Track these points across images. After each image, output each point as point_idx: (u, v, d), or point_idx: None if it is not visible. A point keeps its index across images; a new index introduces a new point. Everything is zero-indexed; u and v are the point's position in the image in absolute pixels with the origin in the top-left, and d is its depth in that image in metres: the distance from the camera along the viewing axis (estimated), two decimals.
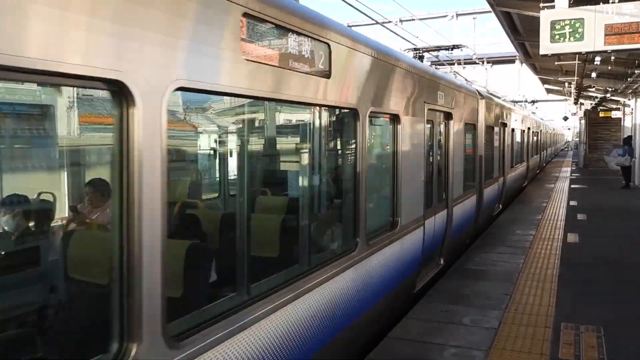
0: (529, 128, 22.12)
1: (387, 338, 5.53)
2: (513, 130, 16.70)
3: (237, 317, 3.05)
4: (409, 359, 5.07)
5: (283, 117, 6.23)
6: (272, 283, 3.71)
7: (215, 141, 6.03)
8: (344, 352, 4.84)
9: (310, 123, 4.73)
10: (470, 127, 10.29)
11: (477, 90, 11.27)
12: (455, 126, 8.73)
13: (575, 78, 19.39)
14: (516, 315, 6.15)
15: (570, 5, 8.67)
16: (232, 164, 5.36)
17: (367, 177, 5.03)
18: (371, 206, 5.37)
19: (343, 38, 4.58)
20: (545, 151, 35.72)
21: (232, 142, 5.35)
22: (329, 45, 4.32)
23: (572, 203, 15.78)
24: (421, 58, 12.05)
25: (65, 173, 4.31)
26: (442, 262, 8.28)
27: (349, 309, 4.75)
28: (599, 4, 8.39)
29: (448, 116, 8.42)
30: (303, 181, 4.97)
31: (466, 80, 16.39)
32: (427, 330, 5.72)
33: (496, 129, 13.16)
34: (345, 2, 7.77)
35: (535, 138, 26.33)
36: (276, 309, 3.49)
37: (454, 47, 13.61)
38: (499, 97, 17.18)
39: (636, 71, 16.37)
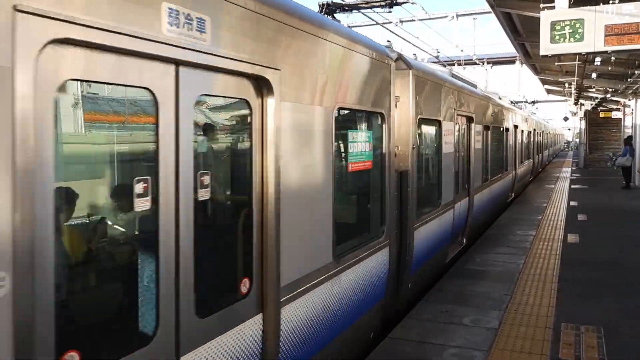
0: (516, 126, 17.41)
1: (387, 338, 5.53)
2: (487, 128, 11.85)
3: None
4: (409, 359, 5.08)
5: None
6: None
7: None
8: None
9: None
10: (372, 119, 5.59)
11: (400, 56, 6.49)
12: (295, 117, 3.90)
13: (576, 78, 19.40)
14: (516, 315, 6.15)
15: (570, 5, 8.68)
16: None
17: None
18: None
19: None
20: (540, 155, 29.35)
21: None
22: None
23: (573, 203, 15.78)
24: (331, 14, 7.48)
25: None
26: None
27: None
28: (599, 4, 8.39)
29: (260, 87, 3.58)
30: None
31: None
32: (428, 330, 5.72)
33: (447, 127, 8.19)
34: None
35: (528, 139, 21.88)
36: None
37: (393, 1, 7.92)
38: (471, 83, 11.90)
39: (636, 72, 16.37)
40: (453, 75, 10.10)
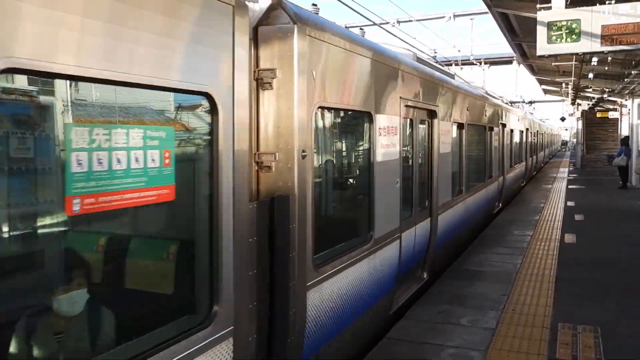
0: (504, 125, 14.98)
1: (385, 339, 5.53)
2: (461, 126, 9.68)
3: None
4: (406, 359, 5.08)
5: None
6: None
7: None
8: None
9: None
10: (173, 103, 3.18)
11: (280, 2, 4.01)
12: None
13: (573, 79, 19.46)
14: (514, 315, 6.15)
15: (567, 6, 8.70)
16: None
17: None
18: None
19: None
20: (534, 157, 26.49)
21: None
22: None
23: (570, 203, 15.80)
24: None
25: None
26: None
27: None
28: (595, 4, 8.41)
29: None
30: None
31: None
32: (425, 330, 5.72)
33: (385, 122, 5.64)
34: (342, 2, 7.77)
35: (520, 140, 19.34)
36: None
37: None
38: (447, 72, 10.23)
39: (633, 72, 16.41)
40: (419, 60, 8.19)
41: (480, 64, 26.40)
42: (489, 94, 14.96)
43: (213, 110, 3.10)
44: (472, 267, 8.47)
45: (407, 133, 6.81)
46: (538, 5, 8.97)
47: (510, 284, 7.41)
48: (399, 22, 20.28)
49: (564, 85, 24.75)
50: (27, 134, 2.49)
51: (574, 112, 36.79)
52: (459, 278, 7.82)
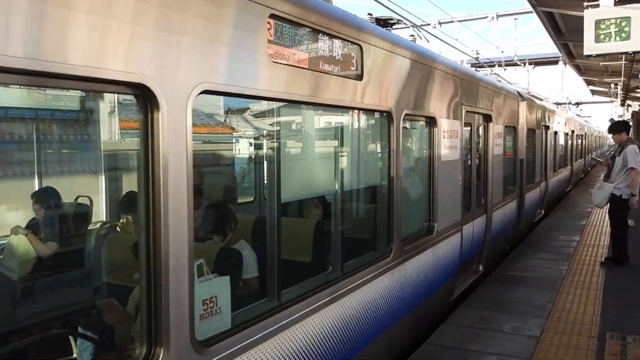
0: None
1: (425, 344, 5.46)
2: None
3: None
4: None
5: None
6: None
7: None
8: None
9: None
10: None
11: None
12: None
13: (622, 79, 18.77)
14: (559, 323, 5.97)
15: (616, 3, 8.40)
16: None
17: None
18: None
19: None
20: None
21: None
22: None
23: None
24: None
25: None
26: None
27: None
28: None
29: None
30: None
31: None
32: (465, 336, 5.62)
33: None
34: (382, 5, 7.74)
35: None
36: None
37: None
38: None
39: None
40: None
41: (525, 64, 25.78)
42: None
43: None
44: (515, 272, 8.27)
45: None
46: (585, 3, 8.69)
47: (556, 291, 7.20)
48: (440, 23, 20.03)
49: (612, 85, 23.91)
50: None
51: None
52: (501, 283, 7.64)
